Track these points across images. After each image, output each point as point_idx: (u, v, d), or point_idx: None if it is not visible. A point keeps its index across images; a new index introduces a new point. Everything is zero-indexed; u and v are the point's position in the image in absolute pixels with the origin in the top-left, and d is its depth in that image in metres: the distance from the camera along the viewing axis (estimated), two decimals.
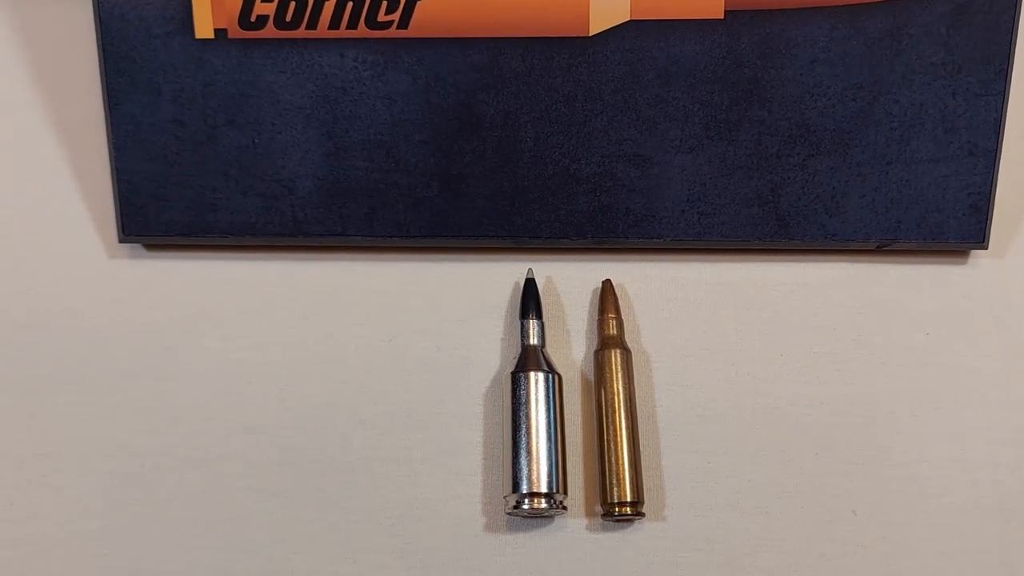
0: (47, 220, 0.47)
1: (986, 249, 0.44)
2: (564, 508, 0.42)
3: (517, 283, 0.45)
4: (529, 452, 0.41)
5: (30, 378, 0.45)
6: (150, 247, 0.46)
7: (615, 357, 0.43)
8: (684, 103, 0.43)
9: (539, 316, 0.44)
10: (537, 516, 0.43)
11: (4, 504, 0.44)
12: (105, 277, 0.46)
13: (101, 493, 0.44)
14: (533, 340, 0.44)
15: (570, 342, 0.45)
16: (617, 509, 0.42)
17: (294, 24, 0.43)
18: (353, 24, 0.43)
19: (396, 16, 0.43)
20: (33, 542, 0.44)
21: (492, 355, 0.45)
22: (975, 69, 0.43)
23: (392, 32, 0.43)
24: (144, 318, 0.46)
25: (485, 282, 0.46)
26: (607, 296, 0.45)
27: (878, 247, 0.45)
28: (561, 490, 0.42)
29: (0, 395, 0.45)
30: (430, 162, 0.44)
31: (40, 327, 0.46)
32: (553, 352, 0.45)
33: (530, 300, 0.44)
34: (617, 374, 0.43)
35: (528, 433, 0.42)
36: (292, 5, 0.43)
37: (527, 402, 0.42)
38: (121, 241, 0.45)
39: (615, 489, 0.42)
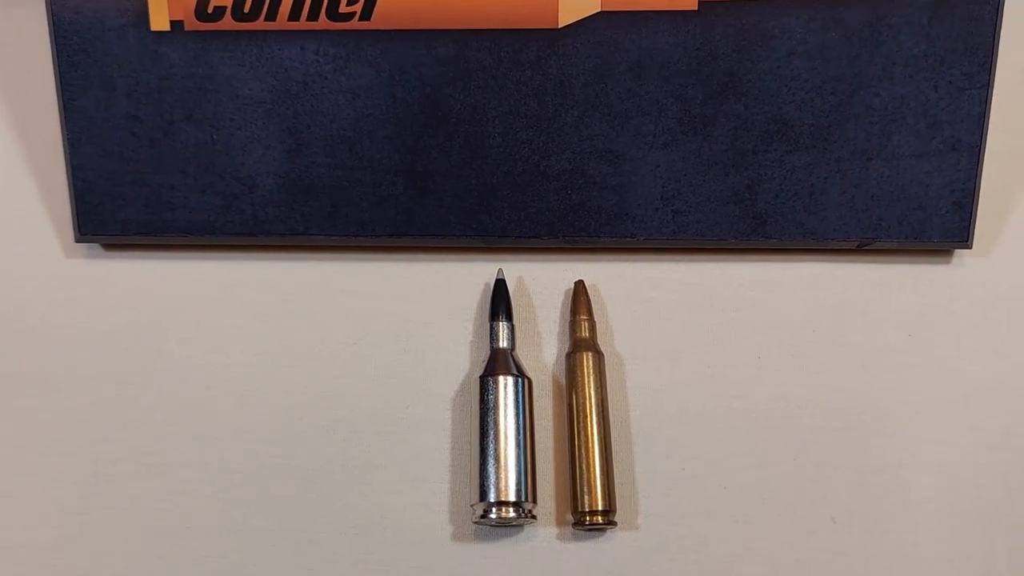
0: (1, 219, 0.45)
1: (970, 248, 0.43)
2: (533, 517, 0.41)
3: (487, 284, 0.44)
4: (497, 459, 0.40)
5: None
6: (108, 247, 0.45)
7: (587, 360, 0.42)
8: (657, 97, 0.42)
9: (509, 318, 0.43)
10: (505, 525, 0.41)
11: None
12: (62, 277, 0.45)
13: (56, 500, 0.43)
14: (503, 343, 0.42)
15: (541, 344, 0.44)
16: (588, 518, 0.41)
17: (252, 16, 0.41)
18: (314, 16, 0.41)
19: (358, 7, 0.41)
20: None
21: (461, 358, 0.44)
22: (958, 61, 0.41)
23: (354, 24, 0.41)
24: (102, 320, 0.44)
25: (453, 283, 0.44)
26: (579, 297, 0.43)
27: (858, 246, 0.43)
28: (530, 499, 0.40)
29: None
30: (395, 159, 0.42)
31: None
32: (524, 355, 0.43)
33: (500, 302, 0.43)
34: (589, 378, 0.42)
35: (496, 440, 0.40)
36: None
37: (495, 407, 0.41)
38: (78, 240, 0.44)
39: (586, 497, 0.41)
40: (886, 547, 0.41)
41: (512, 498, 0.40)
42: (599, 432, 0.41)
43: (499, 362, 0.42)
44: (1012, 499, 0.42)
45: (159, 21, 0.42)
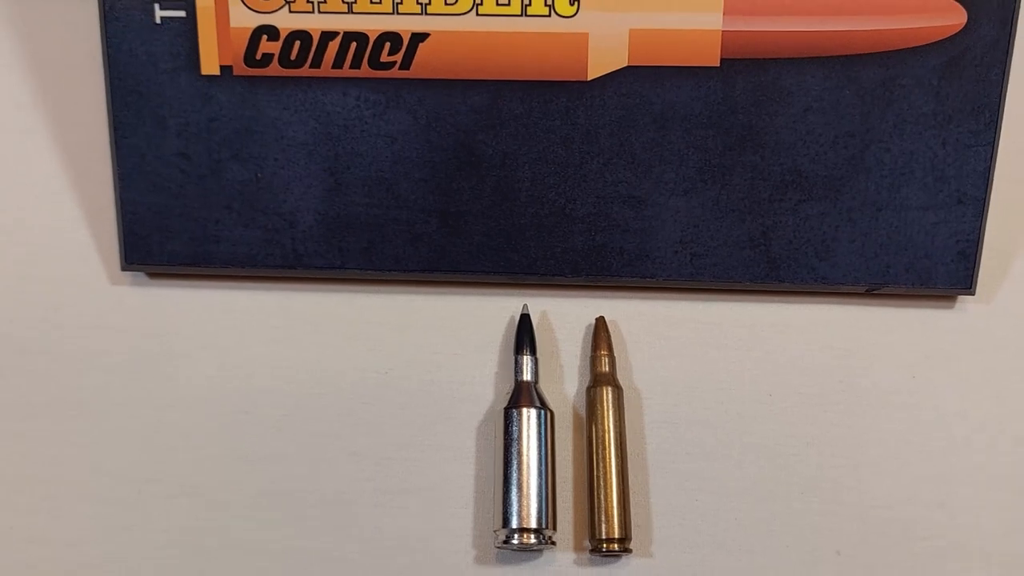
0: (52, 246, 0.47)
1: (973, 295, 0.45)
2: (553, 543, 0.43)
3: (512, 317, 0.46)
4: (520, 488, 0.42)
5: (31, 402, 0.46)
6: (153, 275, 0.47)
7: (607, 395, 0.44)
8: (679, 147, 0.44)
9: (533, 352, 0.45)
10: (526, 550, 0.43)
11: (3, 528, 0.45)
12: (107, 303, 0.47)
13: (99, 519, 0.45)
14: (527, 376, 0.44)
15: (563, 377, 0.46)
16: (605, 545, 0.43)
17: (298, 63, 0.44)
18: (356, 64, 0.44)
19: (399, 57, 0.43)
20: (30, 568, 0.44)
21: (486, 388, 0.46)
22: (965, 120, 0.43)
23: (394, 72, 0.44)
24: (145, 345, 0.46)
25: (481, 316, 0.46)
26: (600, 333, 0.46)
27: (867, 291, 0.45)
28: (550, 525, 0.42)
29: (0, 419, 0.46)
30: (429, 199, 0.45)
31: (42, 351, 0.46)
32: (546, 387, 0.45)
33: (524, 336, 0.45)
34: (608, 412, 0.44)
35: (519, 469, 0.43)
36: (297, 44, 0.43)
37: (519, 438, 0.43)
38: (124, 269, 0.46)
39: (603, 525, 0.43)
40: None
41: (533, 525, 0.42)
42: (617, 463, 0.43)
43: (523, 395, 0.44)
44: (1011, 537, 0.44)
45: (209, 66, 0.44)
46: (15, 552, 0.45)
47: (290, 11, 0.43)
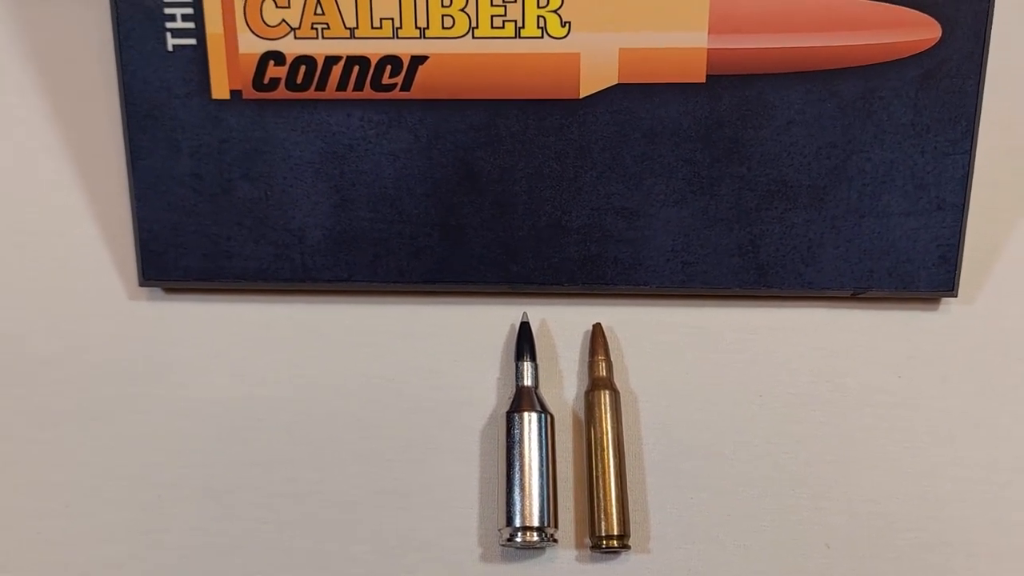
0: (72, 264, 0.49)
1: (956, 296, 0.47)
2: (555, 540, 0.45)
3: (512, 325, 0.48)
4: (522, 488, 0.44)
5: (54, 411, 0.48)
6: (169, 290, 0.49)
7: (604, 398, 0.46)
8: (668, 160, 0.46)
9: (533, 358, 0.47)
10: (529, 548, 0.45)
11: (31, 531, 0.47)
12: (125, 317, 0.49)
13: (120, 521, 0.47)
14: (527, 381, 0.46)
15: (562, 382, 0.48)
16: (605, 542, 0.45)
17: (304, 86, 0.46)
18: (359, 86, 0.46)
19: (400, 79, 0.46)
20: (57, 568, 0.47)
21: (489, 393, 0.48)
22: (943, 129, 0.45)
23: (396, 94, 0.46)
24: (161, 356, 0.48)
25: (482, 325, 0.48)
26: (597, 338, 0.47)
27: (852, 295, 0.47)
28: (552, 524, 0.44)
29: (25, 427, 0.48)
30: (431, 213, 0.47)
31: (64, 363, 0.48)
32: (546, 391, 0.47)
33: (525, 343, 0.47)
34: (606, 414, 0.46)
35: (522, 470, 0.45)
36: (302, 69, 0.46)
37: (521, 441, 0.45)
38: (141, 285, 0.48)
39: (603, 523, 0.45)
40: (875, 572, 0.45)
41: (536, 523, 0.44)
42: (615, 464, 0.45)
43: (524, 399, 0.46)
44: (992, 529, 0.46)
45: (220, 90, 0.46)
46: (42, 553, 0.47)
47: (295, 37, 0.45)
